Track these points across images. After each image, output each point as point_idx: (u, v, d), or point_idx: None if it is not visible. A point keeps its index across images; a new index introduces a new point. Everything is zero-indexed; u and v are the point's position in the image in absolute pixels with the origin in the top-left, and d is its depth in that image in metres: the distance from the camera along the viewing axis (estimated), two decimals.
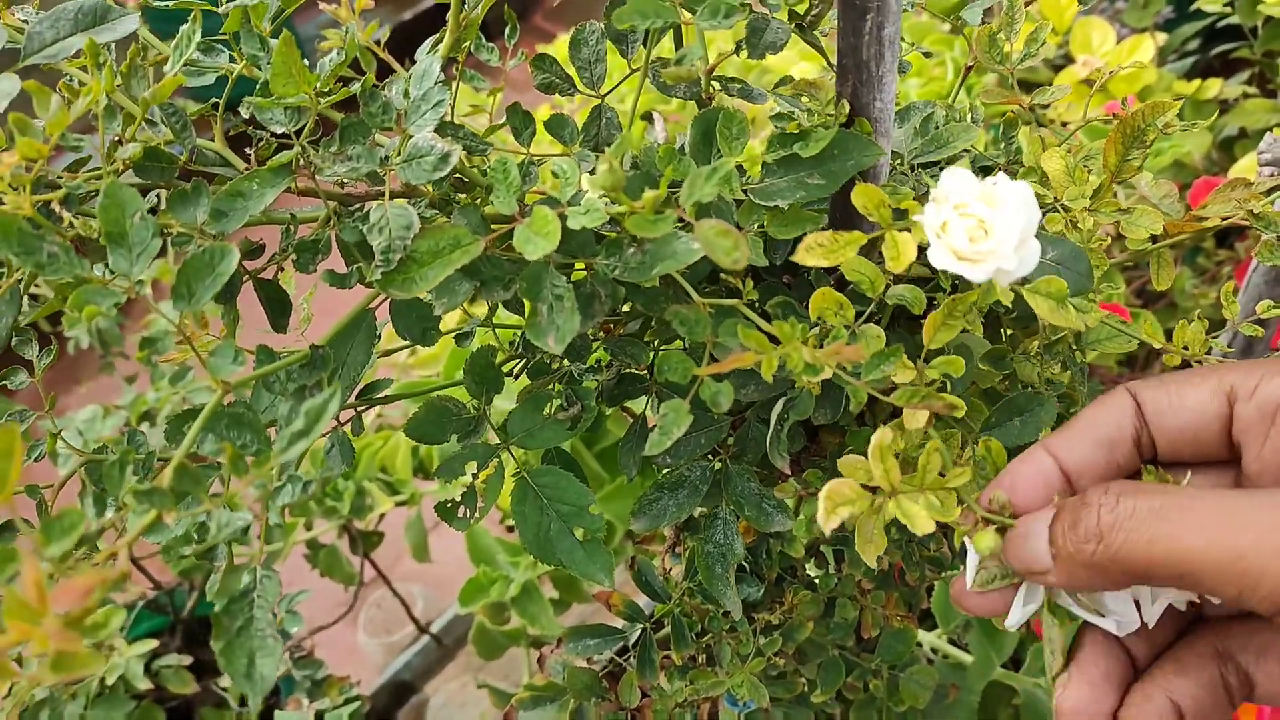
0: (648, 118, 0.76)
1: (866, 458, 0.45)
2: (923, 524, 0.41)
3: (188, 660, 1.41)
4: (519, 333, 0.63)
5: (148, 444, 0.58)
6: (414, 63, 0.57)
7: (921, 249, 0.48)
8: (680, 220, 0.43)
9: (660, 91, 0.53)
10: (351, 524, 1.66)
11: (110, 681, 1.30)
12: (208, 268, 0.38)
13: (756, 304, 0.51)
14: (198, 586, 1.70)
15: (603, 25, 0.54)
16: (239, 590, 0.39)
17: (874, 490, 0.44)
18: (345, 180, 0.47)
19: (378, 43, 0.57)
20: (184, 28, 0.44)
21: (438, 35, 0.54)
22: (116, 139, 0.43)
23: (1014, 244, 0.43)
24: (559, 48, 2.00)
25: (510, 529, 1.59)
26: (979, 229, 0.43)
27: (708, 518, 0.62)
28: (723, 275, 0.55)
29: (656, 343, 0.64)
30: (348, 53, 0.54)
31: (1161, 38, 1.76)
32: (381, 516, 1.68)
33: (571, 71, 0.55)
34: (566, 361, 0.62)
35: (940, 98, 1.67)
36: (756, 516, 0.60)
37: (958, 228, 0.43)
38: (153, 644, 1.23)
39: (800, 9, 0.46)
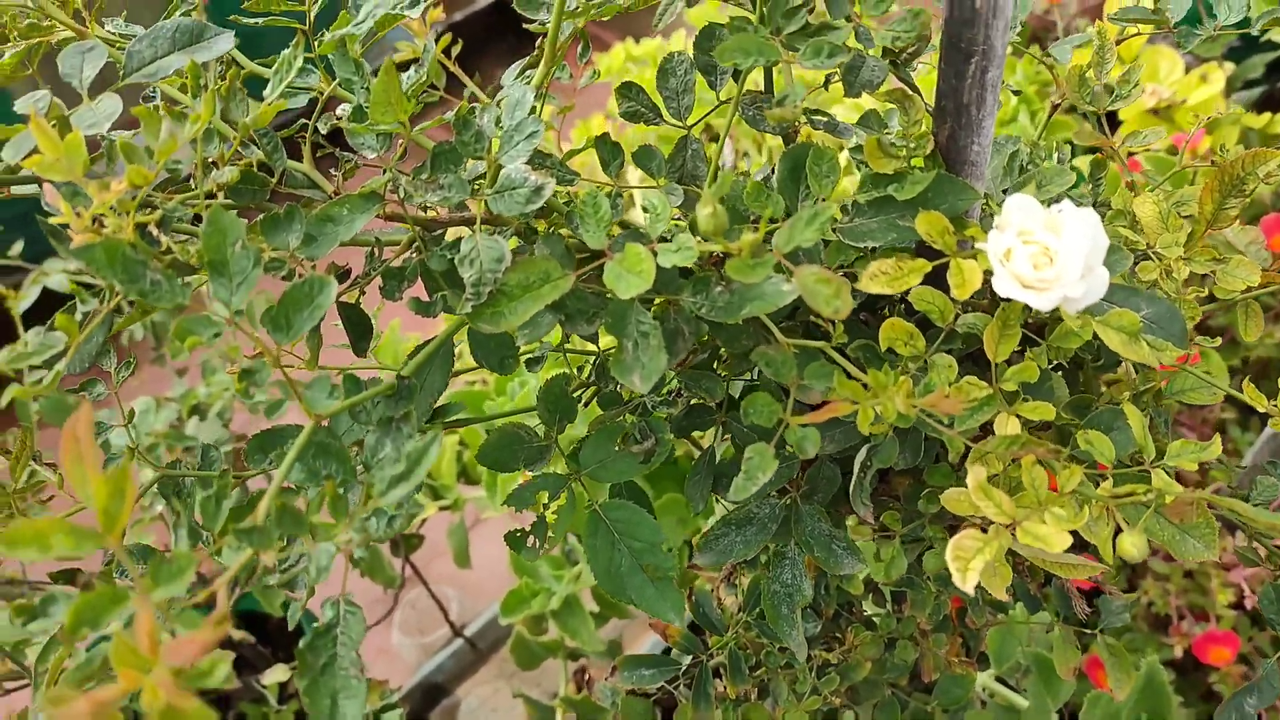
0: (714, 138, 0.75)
1: (947, 488, 0.44)
2: (1059, 541, 0.40)
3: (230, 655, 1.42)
4: (591, 359, 0.62)
5: (220, 459, 0.58)
6: (476, 74, 0.57)
7: (988, 276, 0.47)
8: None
9: (749, 125, 0.52)
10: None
11: None
12: (306, 299, 0.38)
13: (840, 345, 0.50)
14: (240, 582, 1.71)
15: (691, 56, 0.53)
16: (322, 626, 0.39)
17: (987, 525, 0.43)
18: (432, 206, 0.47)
19: (447, 54, 0.57)
20: (285, 53, 0.43)
21: (526, 61, 0.53)
22: (211, 160, 0.43)
23: (1079, 271, 0.42)
24: (614, 57, 2.00)
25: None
26: (1043, 256, 0.42)
27: (775, 556, 0.61)
28: (808, 315, 0.55)
29: (725, 374, 0.63)
30: (429, 72, 0.54)
31: (1230, 67, 1.73)
32: (424, 520, 1.68)
33: (657, 100, 0.54)
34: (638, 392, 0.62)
35: (1001, 123, 1.65)
36: (826, 558, 0.59)
37: (1022, 255, 0.42)
38: None
39: (897, 47, 0.45)
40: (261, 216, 0.43)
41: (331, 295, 0.38)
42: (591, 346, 0.63)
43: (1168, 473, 0.48)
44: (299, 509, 0.35)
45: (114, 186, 0.35)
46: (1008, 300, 0.52)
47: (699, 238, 0.45)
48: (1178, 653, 1.23)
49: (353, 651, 0.39)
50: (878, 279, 0.43)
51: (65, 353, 0.40)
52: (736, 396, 0.64)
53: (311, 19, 0.54)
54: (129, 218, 0.36)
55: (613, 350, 0.63)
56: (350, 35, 0.47)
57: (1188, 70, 1.54)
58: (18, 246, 1.74)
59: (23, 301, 1.57)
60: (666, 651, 0.83)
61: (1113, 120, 1.40)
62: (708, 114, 0.54)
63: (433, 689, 2.15)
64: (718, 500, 0.68)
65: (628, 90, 0.54)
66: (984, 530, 0.44)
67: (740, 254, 0.40)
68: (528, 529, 0.57)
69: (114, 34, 0.55)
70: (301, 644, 0.38)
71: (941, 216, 0.44)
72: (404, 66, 0.56)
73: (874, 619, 0.81)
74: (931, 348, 0.50)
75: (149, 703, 0.26)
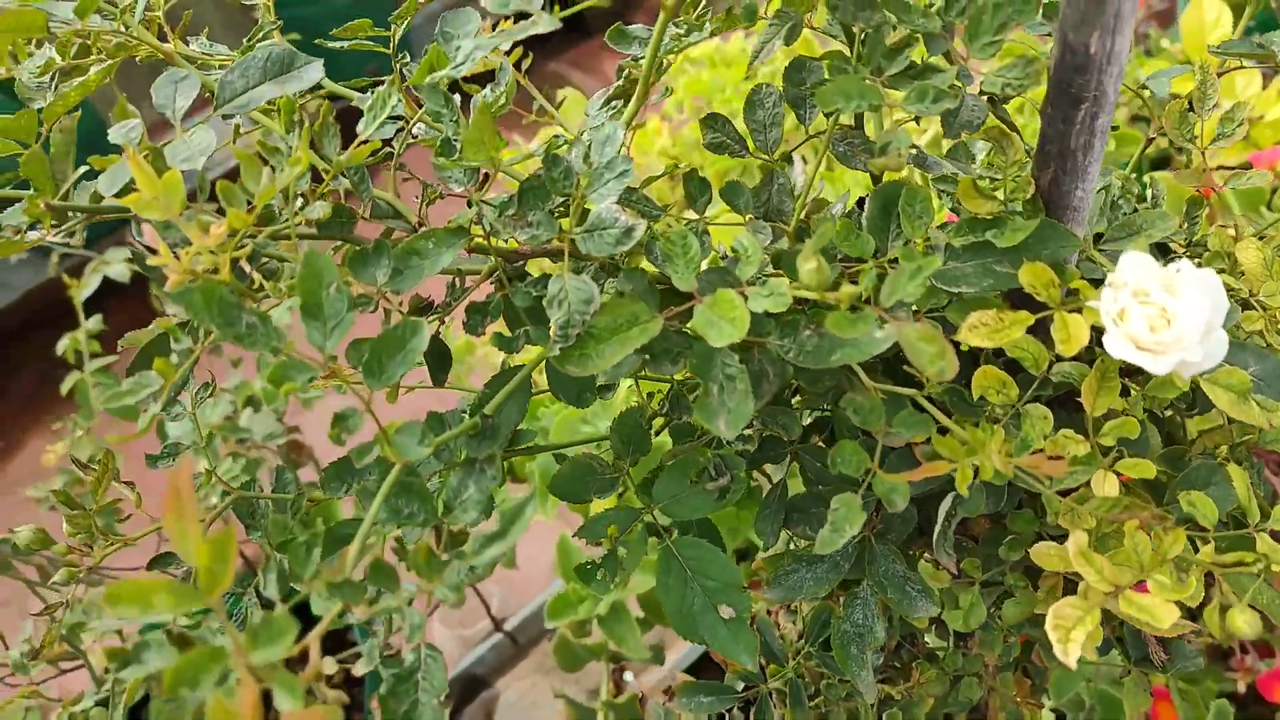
0: (787, 159, 0.74)
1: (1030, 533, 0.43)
2: (1165, 615, 0.39)
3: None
4: (664, 390, 0.61)
5: (293, 480, 0.58)
6: (545, 87, 0.56)
7: (1095, 331, 0.45)
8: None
9: (840, 161, 0.51)
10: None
11: None
12: (399, 344, 0.37)
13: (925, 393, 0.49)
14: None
15: (780, 89, 0.52)
16: (404, 671, 0.38)
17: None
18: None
19: (516, 67, 0.56)
20: (380, 90, 0.43)
21: (612, 91, 0.52)
22: (301, 194, 0.43)
23: (1199, 336, 0.40)
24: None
25: (597, 544, 1.59)
26: (1161, 318, 0.41)
27: (848, 596, 0.60)
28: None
29: (799, 407, 0.62)
30: (507, 94, 0.53)
31: None
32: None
33: (744, 131, 0.53)
34: None
35: None
36: (900, 600, 0.58)
37: (1137, 316, 0.41)
38: None
39: (1006, 95, 0.43)
40: (349, 252, 0.42)
41: (425, 340, 0.38)
42: (664, 378, 0.62)
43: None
44: (391, 565, 0.34)
45: (214, 230, 0.34)
46: (1104, 350, 0.50)
47: (792, 282, 0.43)
48: (1240, 687, 1.19)
49: (434, 699, 0.38)
50: (978, 330, 0.42)
51: (161, 391, 0.40)
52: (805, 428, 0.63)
53: (395, 42, 0.54)
54: (225, 259, 0.36)
55: (688, 382, 0.62)
56: (438, 56, 0.46)
57: (1266, 85, 1.49)
58: (80, 236, 1.77)
59: (84, 290, 1.59)
60: (721, 673, 0.83)
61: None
62: (796, 147, 0.53)
63: (472, 681, 2.17)
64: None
65: (713, 122, 0.53)
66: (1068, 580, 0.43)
67: (840, 305, 0.39)
68: (598, 561, 0.56)
69: (198, 53, 0.55)
70: (383, 690, 0.38)
71: (1046, 268, 0.42)
72: (474, 78, 0.55)
73: (936, 653, 0.79)
74: (1024, 396, 0.48)
75: None
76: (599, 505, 0.85)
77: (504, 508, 0.35)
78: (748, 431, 0.58)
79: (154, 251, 0.38)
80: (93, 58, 0.57)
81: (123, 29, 0.47)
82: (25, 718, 1.37)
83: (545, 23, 0.45)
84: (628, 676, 1.96)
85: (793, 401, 0.62)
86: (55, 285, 3.00)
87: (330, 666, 1.19)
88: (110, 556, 1.61)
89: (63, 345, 1.63)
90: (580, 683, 2.05)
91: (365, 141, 0.41)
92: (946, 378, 0.37)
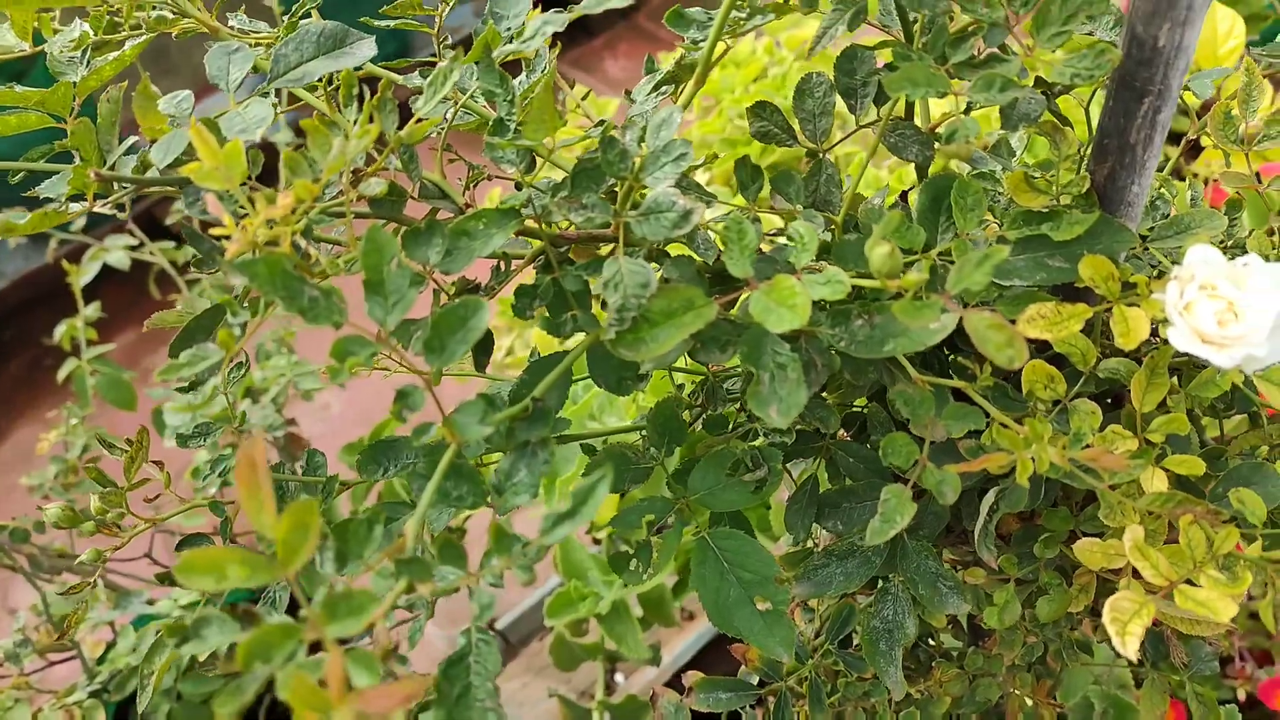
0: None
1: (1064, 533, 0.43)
2: (1224, 608, 0.38)
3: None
4: (697, 381, 0.61)
5: (325, 463, 0.57)
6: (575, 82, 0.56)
7: (1154, 326, 0.45)
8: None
9: (892, 152, 0.50)
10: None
11: (202, 657, 1.31)
12: (460, 322, 0.37)
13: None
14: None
15: (831, 78, 0.52)
16: (456, 655, 0.38)
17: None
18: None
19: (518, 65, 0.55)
20: (441, 65, 0.42)
21: (661, 76, 0.52)
22: (355, 171, 0.42)
23: (1267, 330, 0.40)
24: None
25: (598, 542, 1.58)
26: (1228, 312, 0.40)
27: (878, 592, 0.59)
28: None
29: (833, 401, 0.61)
30: (545, 80, 0.52)
31: None
32: (468, 516, 1.68)
33: (794, 123, 0.53)
34: (745, 417, 0.60)
35: None
36: (930, 596, 0.57)
37: (1205, 309, 0.40)
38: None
39: (1074, 84, 0.43)
40: (403, 230, 0.42)
41: (485, 319, 0.37)
42: (699, 368, 0.62)
43: None
44: (459, 545, 0.34)
45: (281, 201, 0.34)
46: (1149, 347, 0.50)
47: (848, 270, 0.43)
48: (1240, 695, 1.20)
49: (488, 683, 0.38)
50: (1036, 323, 0.42)
51: (219, 364, 0.39)
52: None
53: (441, 21, 0.53)
54: (286, 231, 0.35)
55: (720, 374, 0.61)
56: (492, 35, 0.45)
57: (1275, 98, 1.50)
58: (80, 220, 1.75)
59: (83, 276, 1.58)
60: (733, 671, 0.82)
61: (1196, 149, 1.37)
62: (844, 138, 0.53)
63: None
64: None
65: (761, 110, 0.52)
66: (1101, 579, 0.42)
67: (905, 293, 0.39)
68: (633, 551, 0.55)
69: (236, 30, 0.54)
70: (438, 672, 0.37)
71: (1107, 261, 0.42)
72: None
73: (951, 652, 0.79)
74: (1071, 391, 0.48)
75: None
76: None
77: (577, 489, 0.34)
78: None
79: (206, 226, 0.37)
80: (124, 33, 0.57)
81: (167, 2, 0.46)
82: (15, 709, 1.35)
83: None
84: (619, 677, 1.95)
85: (825, 396, 0.61)
86: (44, 272, 2.97)
87: None
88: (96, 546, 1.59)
89: (59, 332, 1.61)
90: (571, 683, 2.04)
91: (422, 120, 0.41)
92: (1015, 366, 0.36)
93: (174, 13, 0.49)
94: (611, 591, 1.33)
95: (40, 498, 1.52)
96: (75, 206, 0.43)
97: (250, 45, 0.52)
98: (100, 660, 1.39)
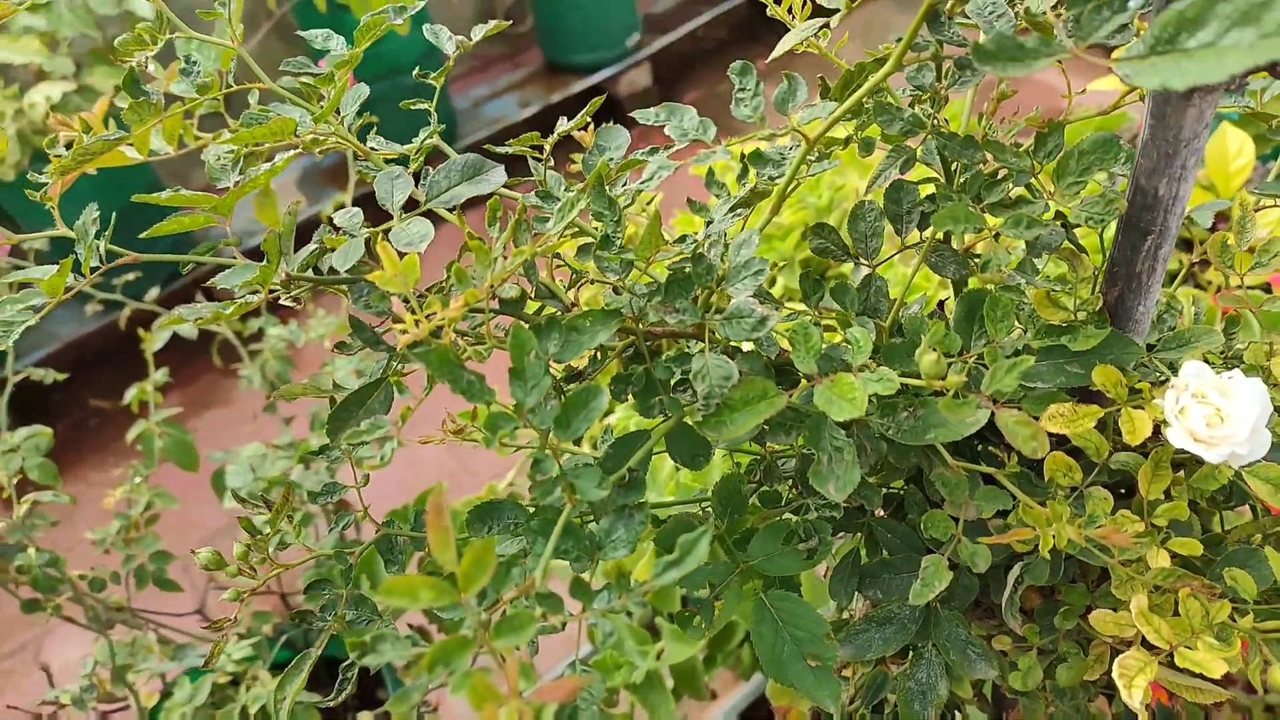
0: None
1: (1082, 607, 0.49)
2: (1216, 667, 0.45)
3: (316, 698, 1.48)
4: (756, 459, 0.69)
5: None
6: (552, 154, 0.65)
7: (1155, 427, 0.53)
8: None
9: (932, 270, 0.59)
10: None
11: (253, 711, 1.37)
12: (584, 405, 0.45)
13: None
14: (323, 635, 1.78)
15: (880, 204, 0.61)
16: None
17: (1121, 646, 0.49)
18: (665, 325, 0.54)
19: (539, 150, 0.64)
20: (569, 195, 0.52)
21: (736, 199, 0.61)
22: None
23: (1248, 433, 0.47)
24: None
25: (630, 614, 1.63)
26: (1216, 416, 0.48)
27: (913, 656, 0.66)
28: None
29: (876, 482, 0.69)
30: (655, 212, 0.62)
31: None
32: None
33: (848, 241, 0.62)
34: (796, 493, 0.68)
35: None
36: (961, 661, 0.64)
37: (1196, 414, 0.48)
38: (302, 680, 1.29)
39: (1087, 225, 0.52)
40: (528, 328, 0.50)
41: (604, 402, 0.46)
42: (757, 449, 0.70)
43: None
44: (558, 599, 0.41)
45: (453, 304, 0.42)
46: (1155, 442, 0.57)
47: (896, 369, 0.51)
48: None
49: (593, 708, 0.45)
50: (1056, 420, 0.50)
51: (392, 432, 0.47)
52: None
53: (549, 150, 0.63)
54: (449, 326, 0.44)
55: (776, 453, 0.69)
56: (638, 191, 0.55)
57: None
58: (153, 292, 1.87)
59: (155, 343, 1.68)
60: None
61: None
62: (891, 256, 0.62)
63: None
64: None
65: (820, 230, 0.61)
66: (1114, 650, 0.49)
67: (947, 391, 0.47)
68: (694, 611, 0.63)
69: (374, 149, 0.64)
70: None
71: (1115, 370, 0.50)
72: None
73: None
74: (1087, 479, 0.56)
75: None
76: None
77: (683, 540, 0.42)
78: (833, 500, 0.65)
79: (376, 319, 0.46)
80: (269, 145, 0.67)
81: (331, 132, 0.56)
82: None
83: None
84: None
85: (870, 479, 0.69)
86: (92, 336, 3.09)
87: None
88: (149, 602, 1.66)
89: (130, 394, 1.71)
90: None
91: (555, 239, 0.50)
92: (1039, 455, 0.44)
93: (335, 136, 0.59)
94: (646, 661, 1.38)
95: (102, 552, 1.59)
96: (253, 298, 0.52)
97: (393, 162, 0.62)
98: (154, 711, 1.45)
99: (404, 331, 0.43)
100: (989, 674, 0.64)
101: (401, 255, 0.45)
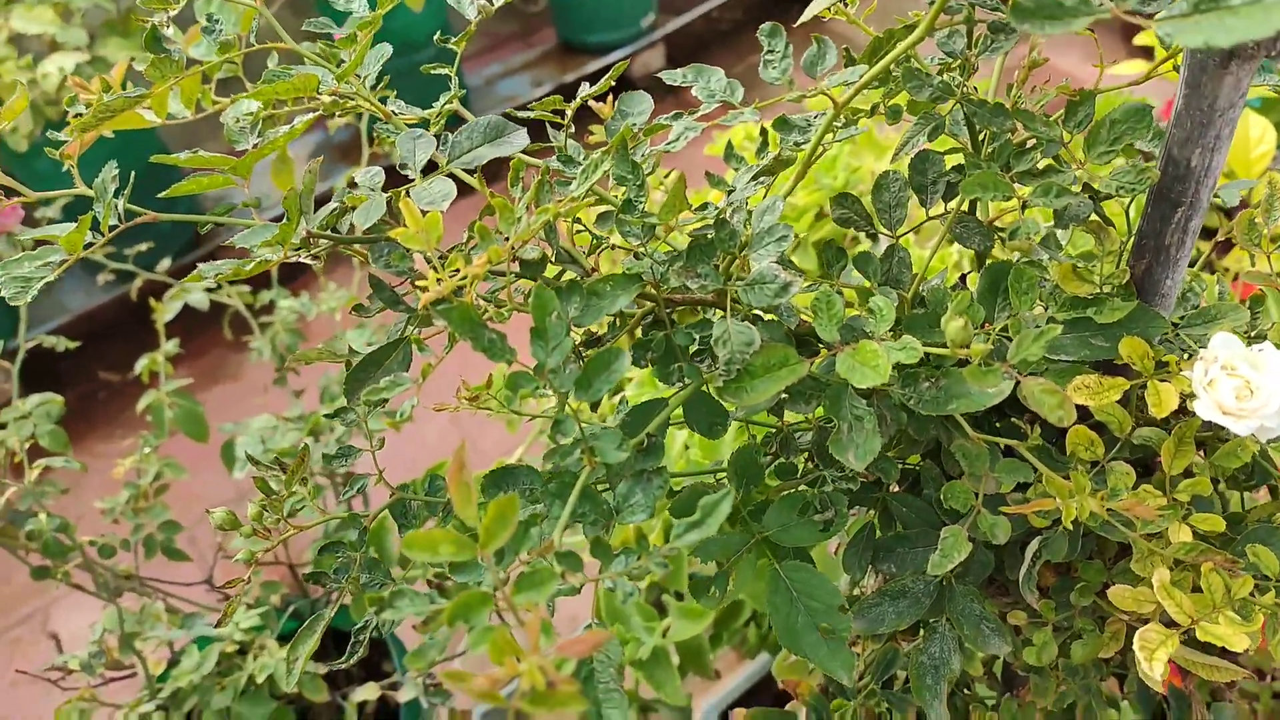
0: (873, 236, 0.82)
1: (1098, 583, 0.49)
2: (1238, 641, 0.45)
3: (324, 669, 1.49)
4: (773, 430, 0.68)
5: (443, 486, 0.65)
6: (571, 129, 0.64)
7: (1182, 399, 0.52)
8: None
9: (958, 241, 0.58)
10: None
11: (260, 680, 1.38)
12: (605, 365, 0.45)
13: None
14: (335, 600, 1.78)
15: (905, 175, 0.60)
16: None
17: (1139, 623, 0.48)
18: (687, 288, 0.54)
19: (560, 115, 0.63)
20: (594, 156, 0.51)
21: (760, 167, 0.60)
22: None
23: (1278, 405, 0.47)
24: (734, 134, 2.09)
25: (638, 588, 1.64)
26: (1245, 389, 0.48)
27: (926, 631, 0.66)
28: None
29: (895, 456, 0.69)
30: (679, 176, 0.61)
31: None
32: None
33: (871, 211, 0.61)
34: (812, 465, 0.68)
35: None
36: (974, 636, 0.64)
37: (1225, 386, 0.48)
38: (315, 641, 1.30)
39: (1118, 195, 0.51)
40: (550, 289, 0.50)
41: (626, 364, 0.45)
42: (774, 420, 0.69)
43: None
44: (577, 556, 0.41)
45: (477, 260, 0.42)
46: (1179, 418, 0.57)
47: (920, 339, 0.51)
48: None
49: (610, 669, 0.45)
50: (1080, 392, 0.49)
51: (414, 389, 0.47)
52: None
53: (571, 115, 0.62)
54: (471, 285, 0.44)
55: (793, 426, 0.69)
56: (661, 155, 0.54)
57: None
58: (165, 263, 1.87)
59: (167, 314, 1.68)
60: (780, 703, 0.89)
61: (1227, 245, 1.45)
62: (916, 227, 0.61)
63: None
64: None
65: (844, 200, 0.61)
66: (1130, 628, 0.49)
67: (972, 359, 0.46)
68: (711, 578, 0.62)
69: (397, 113, 0.64)
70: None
71: (1143, 342, 0.50)
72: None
73: (986, 701, 0.85)
74: (1108, 454, 0.55)
75: (530, 684, 0.32)
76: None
77: (705, 502, 0.42)
78: (849, 472, 0.65)
79: (397, 278, 0.45)
80: (288, 109, 0.66)
81: (353, 92, 0.55)
82: (80, 719, 1.41)
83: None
84: None
85: (889, 453, 0.69)
86: (103, 309, 3.10)
87: (372, 692, 1.26)
88: (157, 570, 1.66)
89: (140, 365, 1.71)
90: None
91: (579, 201, 0.49)
92: (1066, 424, 0.44)
93: (357, 99, 0.58)
94: (653, 637, 1.39)
95: (111, 521, 1.60)
96: (271, 256, 0.52)
97: (415, 124, 0.61)
98: (161, 678, 1.46)
99: (425, 290, 0.43)
100: (1003, 650, 0.64)
101: (424, 214, 0.44)
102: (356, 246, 0.57)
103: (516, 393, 0.42)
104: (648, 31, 3.58)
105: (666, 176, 0.84)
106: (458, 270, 0.44)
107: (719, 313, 0.57)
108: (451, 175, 0.55)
